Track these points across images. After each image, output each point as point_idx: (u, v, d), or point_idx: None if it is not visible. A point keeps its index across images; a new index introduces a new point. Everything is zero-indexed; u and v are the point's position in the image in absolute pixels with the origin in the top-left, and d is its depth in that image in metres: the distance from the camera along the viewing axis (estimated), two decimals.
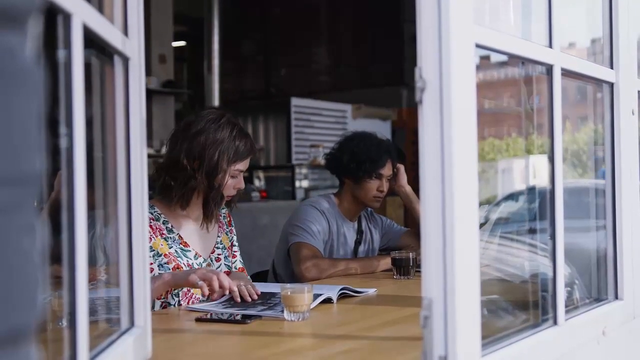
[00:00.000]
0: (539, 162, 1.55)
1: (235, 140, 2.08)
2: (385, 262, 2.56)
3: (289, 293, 1.68)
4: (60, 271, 0.86)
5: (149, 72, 6.67)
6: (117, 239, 1.19)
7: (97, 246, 1.21)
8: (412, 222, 3.04)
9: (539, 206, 1.59)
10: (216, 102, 8.22)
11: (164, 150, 3.70)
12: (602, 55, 1.68)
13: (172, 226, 2.08)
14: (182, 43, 9.76)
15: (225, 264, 2.20)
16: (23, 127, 0.58)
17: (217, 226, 2.22)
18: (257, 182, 6.84)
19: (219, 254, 2.19)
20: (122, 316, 1.19)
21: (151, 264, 2.00)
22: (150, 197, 2.09)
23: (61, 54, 0.85)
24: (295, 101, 7.37)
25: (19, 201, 0.58)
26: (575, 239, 1.59)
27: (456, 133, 1.02)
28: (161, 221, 2.07)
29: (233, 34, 9.17)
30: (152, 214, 2.06)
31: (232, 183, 2.10)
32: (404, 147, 6.37)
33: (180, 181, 2.05)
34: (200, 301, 2.00)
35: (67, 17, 0.85)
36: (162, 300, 2.00)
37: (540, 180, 1.54)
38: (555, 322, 1.36)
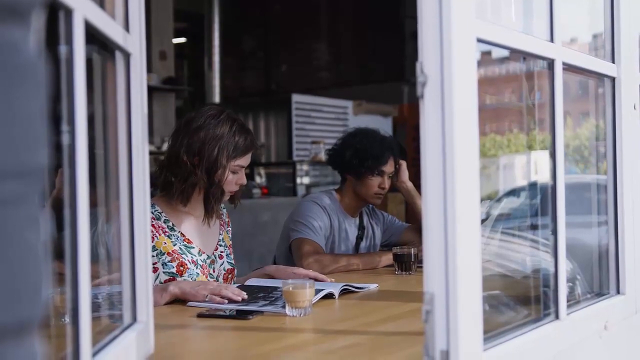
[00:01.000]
0: (541, 157, 1.55)
1: (235, 135, 2.07)
2: (387, 258, 2.57)
3: (290, 289, 1.68)
4: (62, 268, 0.86)
5: (149, 69, 6.66)
6: (119, 235, 1.19)
7: (99, 243, 1.21)
8: (413, 218, 3.04)
9: (540, 202, 1.59)
10: (217, 99, 8.22)
11: (164, 147, 3.69)
12: (603, 49, 1.67)
13: (173, 224, 2.09)
14: (182, 40, 9.76)
15: (227, 262, 2.21)
16: (27, 120, 0.58)
17: (219, 224, 2.23)
18: (258, 179, 6.84)
19: (221, 252, 2.20)
20: (124, 312, 1.19)
21: (155, 263, 2.00)
22: (152, 196, 2.09)
23: (63, 49, 0.85)
24: (296, 97, 7.37)
25: (23, 194, 0.58)
26: (576, 234, 1.59)
27: (457, 128, 1.02)
28: (162, 220, 2.07)
29: (233, 30, 9.16)
30: (152, 213, 2.05)
31: (233, 179, 2.10)
32: (405, 144, 6.37)
33: (180, 177, 2.05)
34: None
35: (69, 12, 0.85)
36: None
37: (542, 175, 1.54)
38: (557, 317, 1.36)
